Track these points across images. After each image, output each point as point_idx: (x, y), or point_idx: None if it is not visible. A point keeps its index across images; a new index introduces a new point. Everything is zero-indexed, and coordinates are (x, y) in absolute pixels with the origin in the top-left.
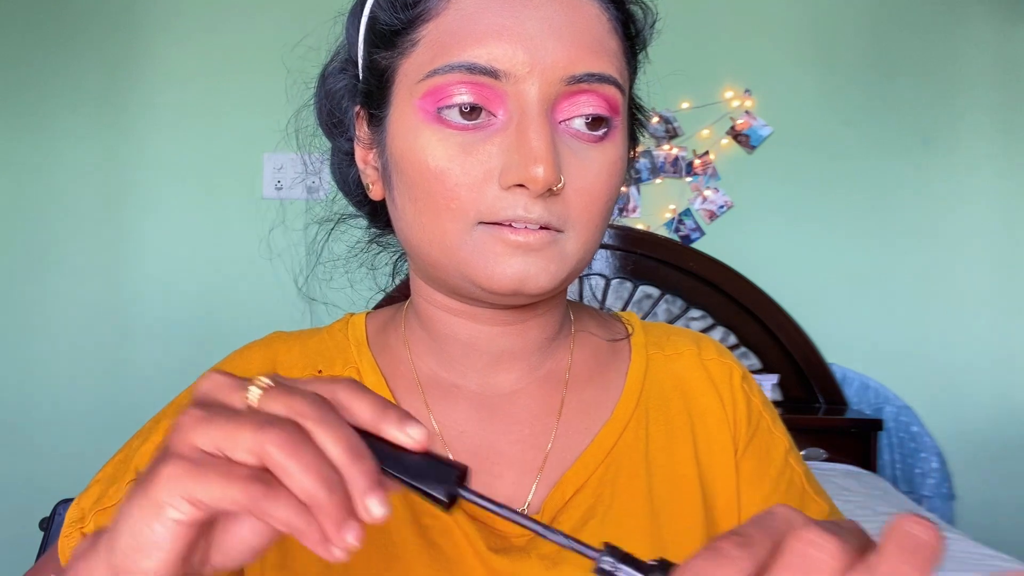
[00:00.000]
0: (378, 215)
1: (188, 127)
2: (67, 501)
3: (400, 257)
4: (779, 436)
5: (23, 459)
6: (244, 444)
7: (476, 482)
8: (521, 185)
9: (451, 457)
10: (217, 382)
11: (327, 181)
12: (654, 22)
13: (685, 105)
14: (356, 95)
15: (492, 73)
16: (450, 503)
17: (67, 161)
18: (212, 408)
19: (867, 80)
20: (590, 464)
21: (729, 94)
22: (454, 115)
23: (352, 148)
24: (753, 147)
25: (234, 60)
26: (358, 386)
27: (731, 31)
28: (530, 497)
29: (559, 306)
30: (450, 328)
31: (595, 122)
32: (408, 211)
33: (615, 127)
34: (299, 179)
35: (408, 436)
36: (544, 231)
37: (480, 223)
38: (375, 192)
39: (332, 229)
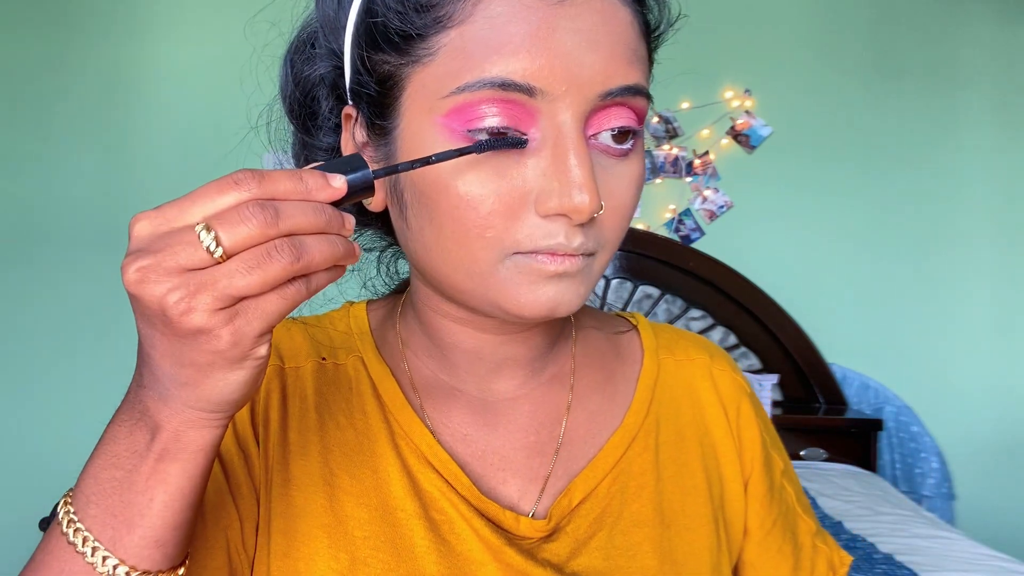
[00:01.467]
0: (363, 212)
1: (189, 126)
2: None
3: (382, 253)
4: (776, 457)
5: (24, 459)
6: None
7: (480, 487)
8: (562, 214)
9: (454, 460)
10: (151, 242)
11: None
12: (674, 20)
13: (685, 105)
14: (341, 91)
15: (528, 90)
16: (374, 177)
17: (67, 159)
18: (197, 276)
19: (867, 80)
20: (598, 472)
21: (729, 94)
22: (482, 137)
23: (333, 144)
24: (753, 147)
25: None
26: (266, 177)
27: (731, 31)
28: (535, 505)
29: None
30: (454, 337)
31: (621, 135)
32: (427, 234)
33: (638, 137)
34: None
35: (336, 186)
36: (580, 256)
37: (515, 253)
38: (375, 203)
39: None
